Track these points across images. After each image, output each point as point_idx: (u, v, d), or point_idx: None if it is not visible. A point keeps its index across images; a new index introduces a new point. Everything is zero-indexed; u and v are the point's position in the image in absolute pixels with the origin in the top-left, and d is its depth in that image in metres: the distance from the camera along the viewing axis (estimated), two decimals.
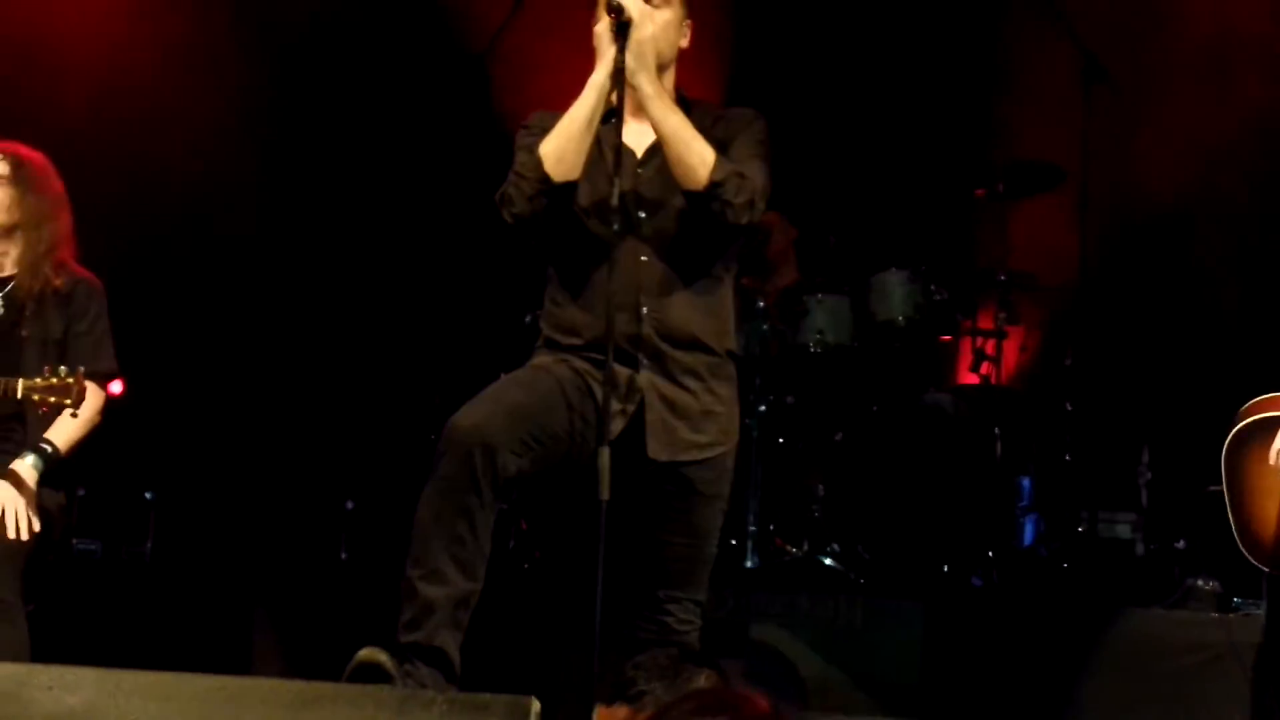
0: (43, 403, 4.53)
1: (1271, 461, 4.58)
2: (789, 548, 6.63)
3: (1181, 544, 6.49)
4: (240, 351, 7.65)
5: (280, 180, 7.63)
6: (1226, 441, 4.72)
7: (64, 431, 4.76)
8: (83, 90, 7.12)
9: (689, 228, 4.27)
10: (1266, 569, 4.69)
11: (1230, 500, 4.70)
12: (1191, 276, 7.40)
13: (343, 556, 6.86)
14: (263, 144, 7.54)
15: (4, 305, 4.88)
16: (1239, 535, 4.69)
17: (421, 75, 7.64)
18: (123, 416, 5.07)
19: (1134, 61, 7.27)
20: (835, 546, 6.55)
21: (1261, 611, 5.21)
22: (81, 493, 6.77)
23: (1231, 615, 5.72)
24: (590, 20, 4.31)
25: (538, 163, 4.22)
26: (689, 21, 4.41)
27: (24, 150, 4.97)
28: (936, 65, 7.84)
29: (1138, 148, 7.36)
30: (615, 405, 4.13)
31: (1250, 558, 4.67)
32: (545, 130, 4.27)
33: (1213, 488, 4.83)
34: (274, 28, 7.49)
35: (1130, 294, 7.51)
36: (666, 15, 4.32)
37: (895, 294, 6.87)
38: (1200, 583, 5.99)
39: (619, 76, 4.18)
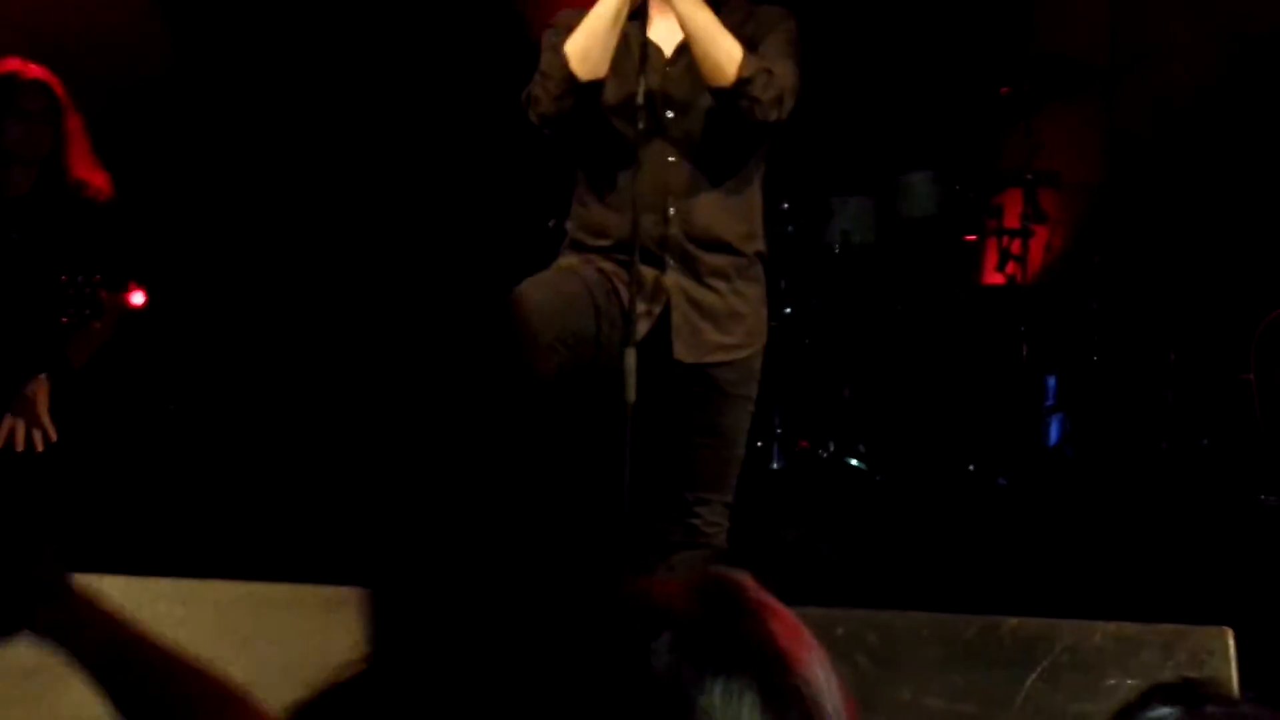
0: None
1: None
2: (817, 450, 6.63)
3: (1206, 442, 6.47)
4: (275, 277, 7.56)
5: (293, 83, 7.54)
6: (1261, 328, 4.65)
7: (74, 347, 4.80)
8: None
9: (717, 127, 4.19)
10: None
11: (1263, 386, 4.63)
12: (1220, 172, 7.32)
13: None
14: (277, 41, 7.45)
15: None
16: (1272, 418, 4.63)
17: None
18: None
19: None
20: (862, 447, 6.55)
21: None
22: None
23: None
24: None
25: (563, 61, 4.14)
26: None
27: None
28: None
29: (1167, 41, 7.25)
30: (641, 306, 4.10)
31: None
32: (571, 29, 4.18)
33: (1243, 376, 4.76)
34: None
35: (1158, 191, 7.43)
36: None
37: (920, 193, 6.83)
38: None
39: None
